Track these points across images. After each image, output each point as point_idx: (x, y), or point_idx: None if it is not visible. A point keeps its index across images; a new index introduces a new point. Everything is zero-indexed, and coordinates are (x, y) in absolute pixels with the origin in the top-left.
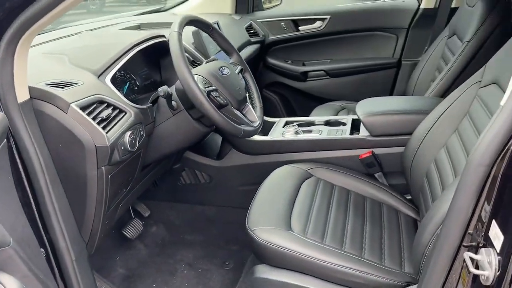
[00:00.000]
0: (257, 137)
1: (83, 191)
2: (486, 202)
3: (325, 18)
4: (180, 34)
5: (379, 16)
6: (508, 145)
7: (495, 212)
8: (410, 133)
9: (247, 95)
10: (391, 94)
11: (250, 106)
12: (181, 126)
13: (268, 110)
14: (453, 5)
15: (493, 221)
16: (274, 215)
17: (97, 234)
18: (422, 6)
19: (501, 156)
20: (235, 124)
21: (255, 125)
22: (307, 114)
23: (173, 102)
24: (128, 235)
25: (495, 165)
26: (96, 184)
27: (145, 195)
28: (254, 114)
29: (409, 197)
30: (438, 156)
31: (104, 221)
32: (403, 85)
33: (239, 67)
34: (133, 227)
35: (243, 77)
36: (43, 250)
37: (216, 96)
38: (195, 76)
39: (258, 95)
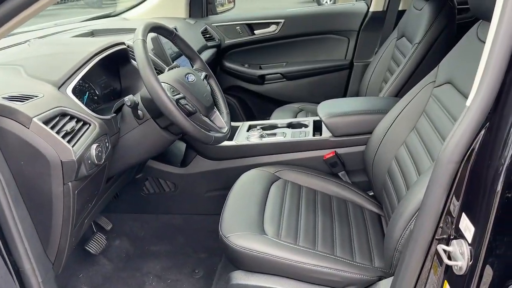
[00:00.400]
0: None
1: (49, 209)
2: (454, 196)
3: (279, 22)
4: (144, 41)
5: (331, 19)
6: (474, 142)
7: (465, 205)
8: (370, 132)
9: (213, 101)
10: (345, 94)
11: (217, 112)
12: (148, 135)
13: None
14: (400, 8)
15: (463, 214)
16: (247, 221)
17: (64, 253)
18: (371, 9)
19: (468, 153)
20: (205, 132)
21: (224, 131)
22: (266, 117)
23: (139, 111)
24: (92, 251)
25: (463, 162)
26: (63, 201)
27: (106, 208)
28: (222, 120)
29: (371, 194)
30: (398, 153)
31: (71, 238)
32: (356, 85)
33: (203, 73)
34: (96, 242)
35: (208, 83)
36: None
37: (185, 104)
38: (162, 84)
39: (224, 101)
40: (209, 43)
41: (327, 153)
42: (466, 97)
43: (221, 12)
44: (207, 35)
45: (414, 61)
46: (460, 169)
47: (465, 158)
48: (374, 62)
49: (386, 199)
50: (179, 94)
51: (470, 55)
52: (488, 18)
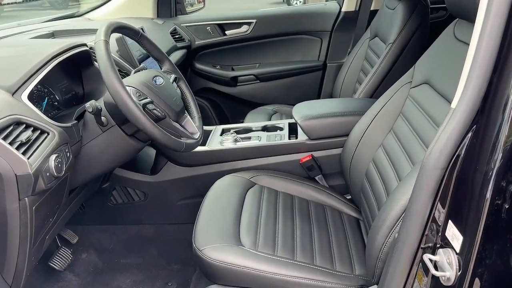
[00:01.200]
0: None
1: (3, 228)
2: (440, 204)
3: (251, 22)
4: (107, 42)
5: (303, 20)
6: (460, 147)
7: (451, 213)
8: (347, 135)
9: (184, 105)
10: (318, 96)
11: (188, 116)
12: (113, 143)
13: None
14: (372, 8)
15: (450, 222)
16: (222, 231)
17: (22, 273)
18: (343, 9)
19: (454, 158)
20: (176, 138)
21: (196, 137)
22: (240, 119)
23: (103, 118)
24: (56, 267)
25: (449, 167)
26: (19, 218)
27: (71, 220)
28: (193, 125)
29: (349, 197)
30: (376, 156)
31: (30, 257)
32: (330, 86)
33: (173, 76)
34: (61, 257)
35: (178, 86)
36: None
37: (153, 109)
38: (127, 88)
39: (195, 105)
40: (179, 44)
41: (304, 157)
42: (444, 97)
43: (191, 12)
44: (177, 36)
45: (388, 61)
46: (446, 175)
47: (451, 164)
48: (348, 62)
49: (364, 202)
50: (146, 98)
51: (447, 54)
52: (466, 17)
